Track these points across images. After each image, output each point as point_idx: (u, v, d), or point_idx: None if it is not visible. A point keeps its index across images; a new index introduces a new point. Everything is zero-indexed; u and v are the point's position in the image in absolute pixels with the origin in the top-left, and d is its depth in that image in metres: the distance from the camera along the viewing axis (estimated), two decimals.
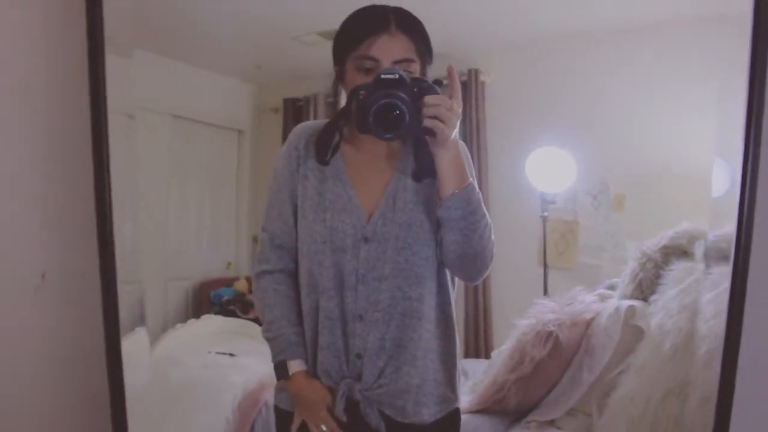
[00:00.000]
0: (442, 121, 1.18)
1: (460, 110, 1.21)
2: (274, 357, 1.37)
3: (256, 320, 3.37)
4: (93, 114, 1.42)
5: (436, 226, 1.29)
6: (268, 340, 1.38)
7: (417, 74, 1.29)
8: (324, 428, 1.33)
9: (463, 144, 1.29)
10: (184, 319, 3.21)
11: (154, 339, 2.83)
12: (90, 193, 1.44)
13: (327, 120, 1.37)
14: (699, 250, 1.93)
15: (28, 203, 1.47)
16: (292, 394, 1.36)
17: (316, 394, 1.34)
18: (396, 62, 1.26)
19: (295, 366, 1.35)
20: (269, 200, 1.42)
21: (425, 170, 1.27)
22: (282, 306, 1.38)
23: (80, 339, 1.52)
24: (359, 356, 1.31)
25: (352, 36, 1.30)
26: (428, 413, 1.32)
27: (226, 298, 3.44)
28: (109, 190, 1.43)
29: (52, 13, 1.46)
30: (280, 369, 1.36)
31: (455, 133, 1.21)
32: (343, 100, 1.34)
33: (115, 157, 1.46)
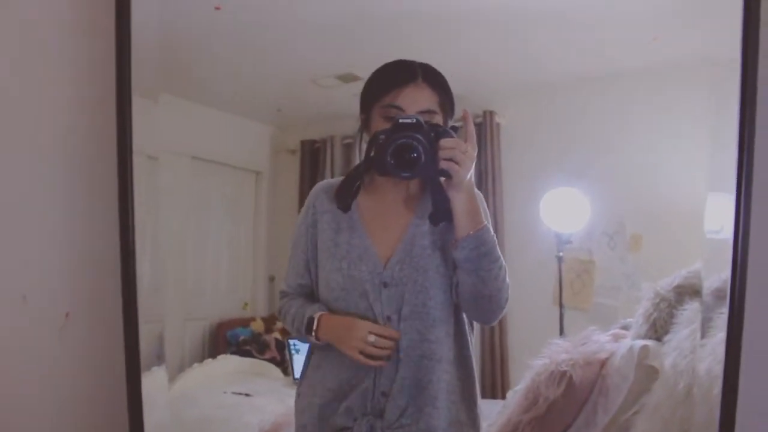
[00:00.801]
0: (457, 163, 1.24)
1: (475, 153, 1.27)
2: (298, 329, 1.41)
3: (272, 360, 3.39)
4: (119, 156, 1.48)
5: (452, 269, 1.32)
6: (292, 326, 1.43)
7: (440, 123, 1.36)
8: (372, 338, 1.32)
9: (479, 192, 1.35)
10: (201, 358, 3.22)
11: (172, 378, 2.84)
12: (114, 232, 1.48)
13: (344, 176, 1.44)
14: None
15: (54, 242, 1.51)
16: (328, 337, 1.38)
17: (346, 320, 1.36)
18: (420, 112, 1.33)
19: (317, 311, 1.39)
20: (289, 258, 1.48)
21: (441, 214, 1.32)
22: (300, 301, 1.44)
23: (101, 377, 1.55)
24: (384, 395, 1.34)
25: (381, 85, 1.38)
26: None
27: (242, 338, 3.45)
28: (133, 230, 1.48)
29: (82, 61, 1.51)
30: (307, 328, 1.39)
31: (470, 175, 1.26)
32: (362, 145, 1.39)
33: (138, 197, 1.50)
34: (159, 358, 1.71)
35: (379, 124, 1.35)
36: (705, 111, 2.77)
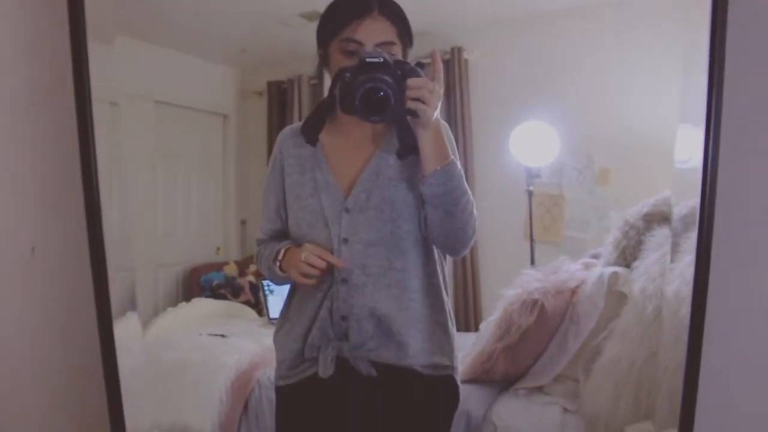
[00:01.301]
0: (424, 102, 1.23)
1: (442, 92, 1.26)
2: (269, 268, 1.42)
3: (247, 303, 3.41)
4: (77, 101, 1.43)
5: (420, 201, 1.33)
6: (266, 268, 1.44)
7: (398, 57, 1.34)
8: (303, 254, 1.33)
9: (445, 124, 1.34)
10: (175, 304, 3.23)
11: (145, 323, 2.84)
12: (78, 179, 1.45)
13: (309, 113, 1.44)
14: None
15: (17, 187, 1.48)
16: (287, 267, 1.39)
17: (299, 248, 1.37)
18: (378, 45, 1.32)
19: (285, 246, 1.40)
20: (262, 206, 1.49)
21: (408, 148, 1.32)
22: (272, 244, 1.45)
23: (72, 318, 1.54)
24: (344, 318, 1.35)
25: (337, 20, 1.35)
26: (425, 371, 1.37)
27: (216, 282, 3.46)
28: (96, 177, 1.45)
29: (33, 6, 1.47)
30: (273, 261, 1.40)
31: (437, 113, 1.26)
32: (327, 82, 1.38)
33: (100, 144, 1.47)
34: (132, 305, 1.71)
35: (339, 59, 1.33)
36: (673, 43, 2.78)
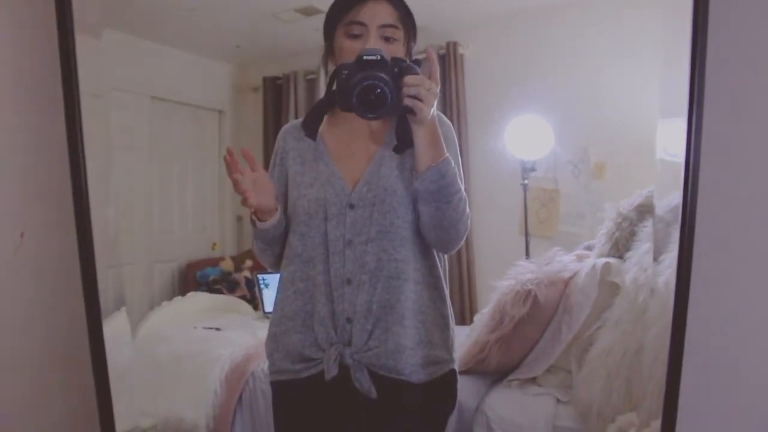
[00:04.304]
0: (421, 100, 1.24)
1: (438, 90, 1.27)
2: (254, 235, 1.44)
3: (242, 298, 3.41)
4: (65, 94, 1.44)
5: (415, 195, 1.34)
6: (257, 246, 1.46)
7: (401, 42, 1.38)
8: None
9: (449, 123, 1.39)
10: (170, 298, 3.23)
11: (141, 318, 2.85)
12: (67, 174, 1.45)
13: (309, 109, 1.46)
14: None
15: (4, 182, 1.48)
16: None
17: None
18: (382, 26, 1.35)
19: None
20: None
21: (404, 143, 1.33)
22: None
23: (61, 313, 1.54)
24: (349, 320, 1.35)
25: (342, 5, 1.38)
26: (425, 372, 1.36)
27: (212, 277, 3.46)
28: (85, 172, 1.45)
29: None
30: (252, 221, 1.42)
31: (433, 110, 1.27)
32: (323, 79, 1.40)
33: (91, 139, 1.47)
34: (123, 301, 1.71)
35: (344, 44, 1.36)
36: (662, 35, 2.78)
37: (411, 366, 1.35)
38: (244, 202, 1.34)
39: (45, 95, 1.48)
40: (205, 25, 3.18)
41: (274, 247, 1.45)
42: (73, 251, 1.48)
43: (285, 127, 1.51)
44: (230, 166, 1.33)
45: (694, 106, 1.29)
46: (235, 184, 1.34)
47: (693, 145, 1.31)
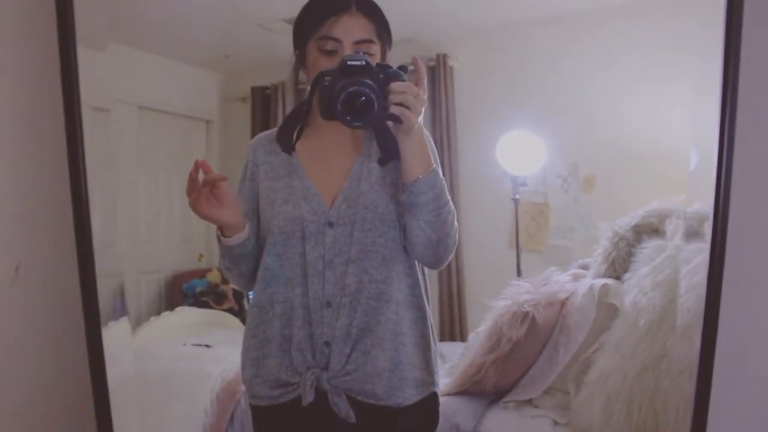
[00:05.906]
0: (408, 108, 1.18)
1: (425, 97, 1.21)
2: (221, 254, 1.37)
3: (230, 310, 3.38)
4: (66, 107, 1.40)
5: (402, 209, 1.29)
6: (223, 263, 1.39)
7: (378, 56, 1.31)
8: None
9: (427, 133, 1.30)
10: (158, 311, 3.20)
11: (132, 331, 2.81)
12: (64, 186, 1.42)
13: (284, 119, 1.38)
14: (670, 228, 1.96)
15: (4, 199, 1.45)
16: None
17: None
18: (357, 42, 1.28)
19: None
20: None
21: (390, 154, 1.26)
22: None
23: (59, 332, 1.51)
24: (327, 344, 1.30)
25: (313, 17, 1.31)
26: (403, 396, 1.31)
27: (199, 289, 3.43)
28: (86, 183, 1.42)
29: (20, 7, 1.44)
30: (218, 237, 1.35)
31: (420, 119, 1.21)
32: (296, 83, 1.34)
33: (88, 151, 1.44)
34: (121, 311, 1.68)
35: (317, 59, 1.29)
36: (658, 51, 2.81)
37: (390, 390, 1.30)
38: (193, 209, 1.26)
39: (45, 107, 1.45)
40: (194, 35, 3.15)
41: (241, 265, 1.38)
42: (71, 262, 1.44)
43: (255, 140, 1.42)
44: (193, 181, 1.24)
45: (726, 121, 1.24)
46: (189, 186, 1.25)
47: (725, 158, 1.24)
